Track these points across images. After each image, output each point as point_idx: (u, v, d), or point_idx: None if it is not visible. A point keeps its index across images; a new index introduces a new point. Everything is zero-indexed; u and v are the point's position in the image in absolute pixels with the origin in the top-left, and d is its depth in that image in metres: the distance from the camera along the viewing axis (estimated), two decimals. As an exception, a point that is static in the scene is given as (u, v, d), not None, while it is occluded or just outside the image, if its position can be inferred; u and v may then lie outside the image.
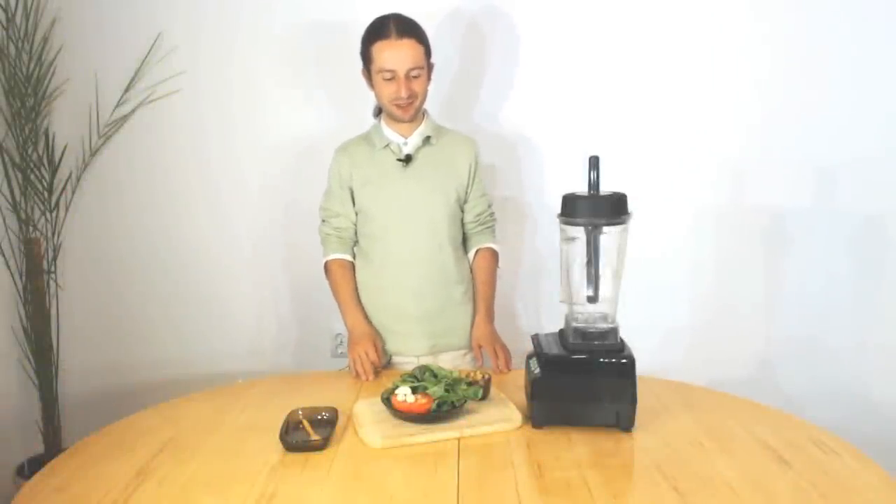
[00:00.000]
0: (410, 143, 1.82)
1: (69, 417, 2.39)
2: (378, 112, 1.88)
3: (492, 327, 1.87)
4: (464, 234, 1.93)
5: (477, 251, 1.92)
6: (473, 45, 2.32)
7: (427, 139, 1.83)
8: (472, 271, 1.92)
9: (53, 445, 2.32)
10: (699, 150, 2.32)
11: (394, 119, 1.80)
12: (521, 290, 2.39)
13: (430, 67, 1.79)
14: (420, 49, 1.73)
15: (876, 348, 2.36)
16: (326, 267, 1.90)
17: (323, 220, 1.91)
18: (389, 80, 1.72)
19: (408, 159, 1.81)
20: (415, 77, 1.73)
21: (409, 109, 1.76)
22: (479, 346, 1.84)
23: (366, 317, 1.84)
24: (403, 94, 1.72)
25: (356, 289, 1.87)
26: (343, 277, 1.86)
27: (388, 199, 1.81)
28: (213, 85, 2.33)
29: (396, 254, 1.82)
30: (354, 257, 1.90)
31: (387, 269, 1.83)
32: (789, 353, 2.37)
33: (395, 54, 1.70)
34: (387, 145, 1.82)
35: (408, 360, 1.83)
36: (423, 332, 1.84)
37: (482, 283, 1.90)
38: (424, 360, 1.83)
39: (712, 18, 2.26)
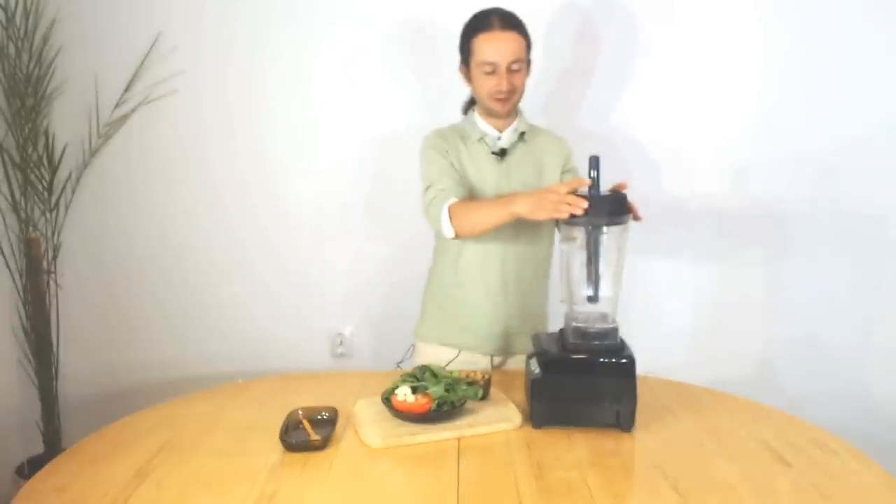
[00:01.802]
0: (505, 138, 1.78)
1: (69, 417, 2.39)
2: (467, 108, 1.85)
3: None
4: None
5: None
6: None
7: (521, 135, 1.79)
8: None
9: (53, 445, 2.32)
10: (700, 150, 2.32)
11: (490, 114, 1.76)
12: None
13: (529, 63, 1.75)
14: (522, 42, 1.69)
15: (876, 348, 2.36)
16: (451, 213, 1.65)
17: (426, 188, 1.73)
18: (490, 73, 1.69)
19: (502, 153, 1.77)
20: (515, 70, 1.69)
21: (507, 104, 1.72)
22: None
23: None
24: (504, 87, 1.68)
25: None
26: (472, 200, 1.69)
27: (479, 190, 1.76)
28: (212, 85, 2.33)
29: (478, 249, 1.76)
30: None
31: (467, 263, 1.78)
32: (790, 353, 2.37)
33: (498, 47, 1.66)
34: (481, 138, 1.78)
35: (478, 360, 1.79)
36: (500, 332, 1.80)
37: None
38: (496, 360, 1.83)
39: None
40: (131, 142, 2.36)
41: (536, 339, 1.51)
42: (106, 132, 2.33)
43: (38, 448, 2.33)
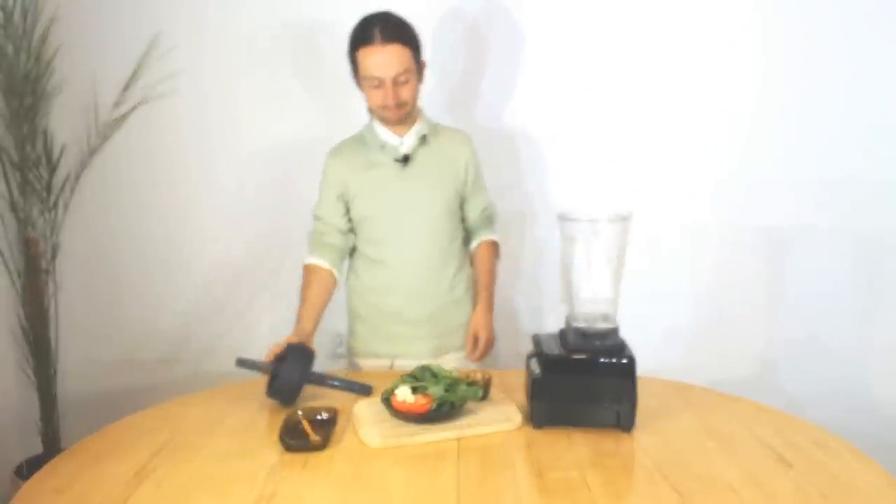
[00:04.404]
0: (406, 143, 1.78)
1: (68, 417, 2.39)
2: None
3: (490, 317, 1.85)
4: (466, 229, 1.92)
5: (479, 243, 1.91)
6: (473, 42, 2.32)
7: (423, 138, 1.79)
8: (473, 263, 1.91)
9: (52, 446, 2.32)
10: (700, 151, 2.32)
11: (385, 123, 1.77)
12: (521, 289, 2.39)
13: (420, 67, 1.73)
14: (407, 53, 1.65)
15: (876, 348, 2.36)
16: (304, 268, 1.85)
17: (315, 216, 1.86)
18: (376, 87, 1.67)
19: (406, 160, 1.77)
20: (403, 83, 1.67)
21: (398, 113, 1.71)
22: (476, 336, 1.82)
23: (313, 330, 1.76)
24: (390, 101, 1.67)
25: (318, 296, 1.80)
26: (308, 284, 1.80)
27: (387, 201, 1.78)
28: (212, 85, 2.33)
29: (398, 255, 1.79)
30: (335, 264, 1.84)
31: (388, 271, 1.81)
32: (790, 354, 2.37)
33: (380, 61, 1.63)
34: (382, 146, 1.78)
35: (411, 364, 1.79)
36: (427, 334, 1.82)
37: (484, 272, 1.88)
38: (427, 362, 1.82)
39: (713, 27, 2.26)
40: (130, 141, 2.36)
41: (536, 339, 1.51)
42: (105, 132, 2.33)
43: (37, 448, 2.33)
